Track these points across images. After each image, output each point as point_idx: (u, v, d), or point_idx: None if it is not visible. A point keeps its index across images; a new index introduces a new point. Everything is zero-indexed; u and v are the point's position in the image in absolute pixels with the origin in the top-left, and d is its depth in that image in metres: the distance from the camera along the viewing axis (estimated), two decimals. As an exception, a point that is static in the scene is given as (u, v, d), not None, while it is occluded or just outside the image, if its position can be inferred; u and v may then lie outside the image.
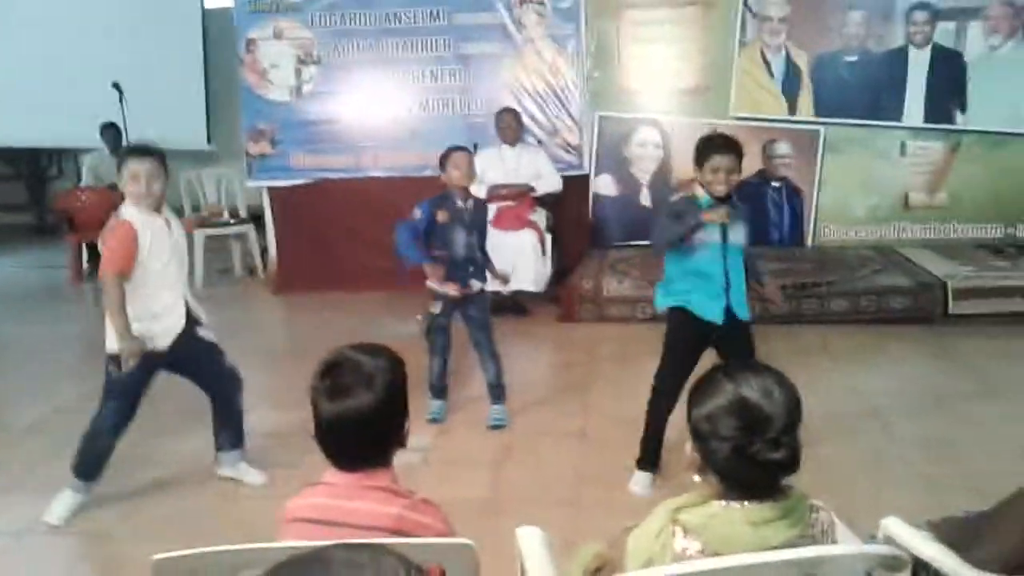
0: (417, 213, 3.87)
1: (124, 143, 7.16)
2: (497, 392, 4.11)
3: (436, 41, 6.78)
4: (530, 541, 1.79)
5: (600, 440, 3.87)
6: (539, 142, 6.61)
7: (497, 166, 5.95)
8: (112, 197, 7.18)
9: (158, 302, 3.19)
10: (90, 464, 3.25)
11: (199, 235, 6.98)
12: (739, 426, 1.45)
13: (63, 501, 3.22)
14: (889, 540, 1.77)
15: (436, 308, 3.99)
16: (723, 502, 1.50)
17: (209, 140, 8.65)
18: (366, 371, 1.67)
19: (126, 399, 3.22)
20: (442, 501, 1.80)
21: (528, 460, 3.72)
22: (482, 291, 4.03)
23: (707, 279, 3.28)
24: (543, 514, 3.06)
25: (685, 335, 3.35)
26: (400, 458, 1.81)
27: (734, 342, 3.30)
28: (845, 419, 3.98)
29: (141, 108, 7.42)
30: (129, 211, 3.13)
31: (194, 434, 3.67)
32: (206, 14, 8.63)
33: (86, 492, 3.26)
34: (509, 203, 5.87)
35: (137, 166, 3.09)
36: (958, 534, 1.75)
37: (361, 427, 1.66)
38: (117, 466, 3.36)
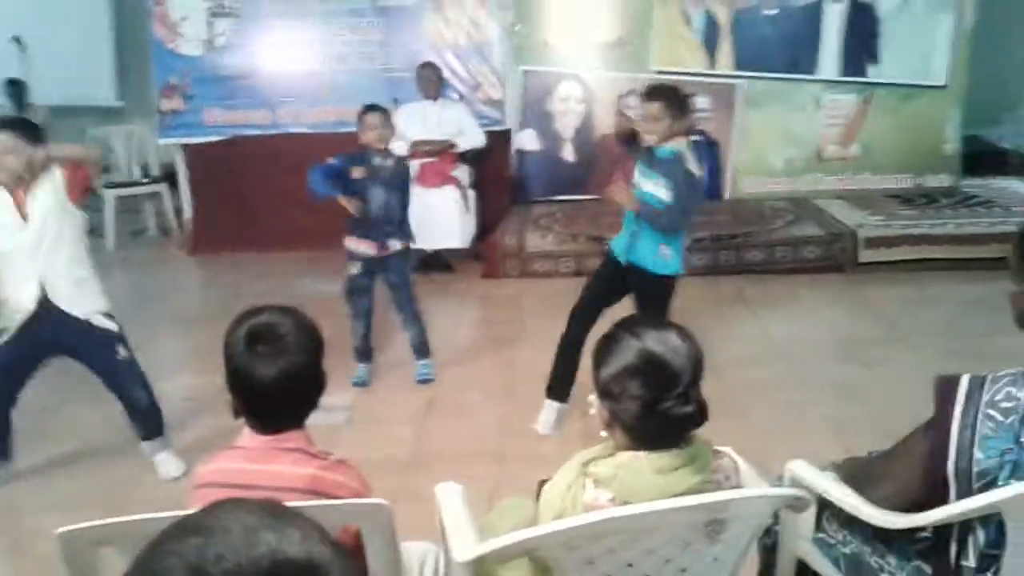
0: (332, 160, 3.80)
1: (28, 100, 6.86)
2: (422, 349, 4.11)
3: (353, -9, 6.61)
4: (448, 497, 1.80)
5: (524, 395, 3.88)
6: (461, 97, 6.54)
7: (418, 122, 5.86)
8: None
9: (7, 285, 3.07)
10: None
11: (109, 195, 6.75)
12: (648, 384, 1.46)
13: None
14: (795, 481, 1.84)
15: (355, 268, 3.94)
16: (630, 452, 1.53)
17: (119, 96, 8.31)
18: (283, 332, 1.65)
19: (4, 372, 3.11)
20: (365, 461, 1.80)
21: (452, 417, 3.74)
22: (402, 251, 3.97)
23: (625, 219, 3.41)
24: (466, 470, 3.10)
25: (601, 267, 3.53)
26: (324, 419, 1.80)
27: (641, 296, 3.38)
28: (760, 366, 4.10)
29: (46, 63, 7.09)
30: None
31: (105, 402, 3.56)
32: (112, -37, 8.24)
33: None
34: (431, 159, 5.81)
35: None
36: (860, 473, 1.82)
37: (278, 389, 1.64)
38: (27, 438, 3.27)
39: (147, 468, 3.32)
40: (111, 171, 7.15)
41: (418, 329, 4.08)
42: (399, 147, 5.79)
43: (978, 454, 1.53)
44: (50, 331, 3.09)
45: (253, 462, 1.66)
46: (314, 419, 1.77)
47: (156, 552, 0.66)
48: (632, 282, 3.38)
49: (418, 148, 5.78)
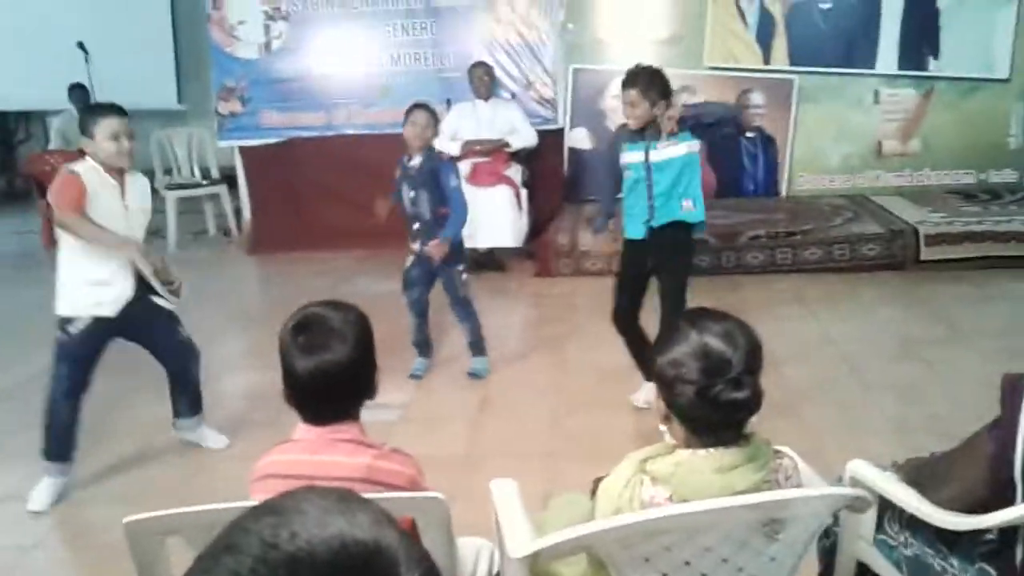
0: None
1: (93, 104, 7.04)
2: (476, 347, 4.14)
3: (407, -7, 6.67)
4: (503, 493, 1.81)
5: (577, 394, 3.90)
6: (513, 96, 6.56)
7: (471, 121, 5.90)
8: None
9: (106, 268, 3.07)
10: (57, 441, 3.15)
11: (171, 197, 6.91)
12: (702, 368, 1.48)
13: (43, 489, 3.13)
14: (855, 482, 1.81)
15: (408, 261, 4.04)
16: (689, 450, 1.52)
17: (179, 99, 8.51)
18: (334, 326, 1.69)
19: (77, 364, 3.12)
20: (420, 457, 1.81)
21: (506, 414, 3.75)
22: (448, 255, 3.98)
23: (633, 202, 3.46)
24: (520, 467, 3.09)
25: (625, 260, 3.61)
26: (377, 416, 1.83)
27: (662, 258, 3.47)
28: (818, 366, 4.04)
29: (108, 68, 7.29)
30: (80, 165, 3.04)
31: (155, 404, 3.63)
32: (171, -30, 8.45)
33: (62, 475, 3.18)
34: (484, 158, 5.84)
35: (118, 123, 3.03)
36: (922, 474, 1.79)
37: (331, 381, 1.68)
38: (87, 435, 3.34)
39: (202, 461, 3.40)
40: (171, 174, 7.32)
41: (470, 326, 4.11)
42: (452, 147, 5.85)
43: (1044, 455, 1.50)
44: (129, 316, 3.14)
45: (309, 453, 1.70)
46: (368, 415, 1.80)
47: (233, 529, 0.69)
48: (656, 253, 3.47)
49: (471, 148, 5.82)
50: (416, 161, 3.90)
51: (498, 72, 6.36)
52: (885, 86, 6.48)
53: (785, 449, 1.68)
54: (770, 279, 5.33)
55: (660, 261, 3.49)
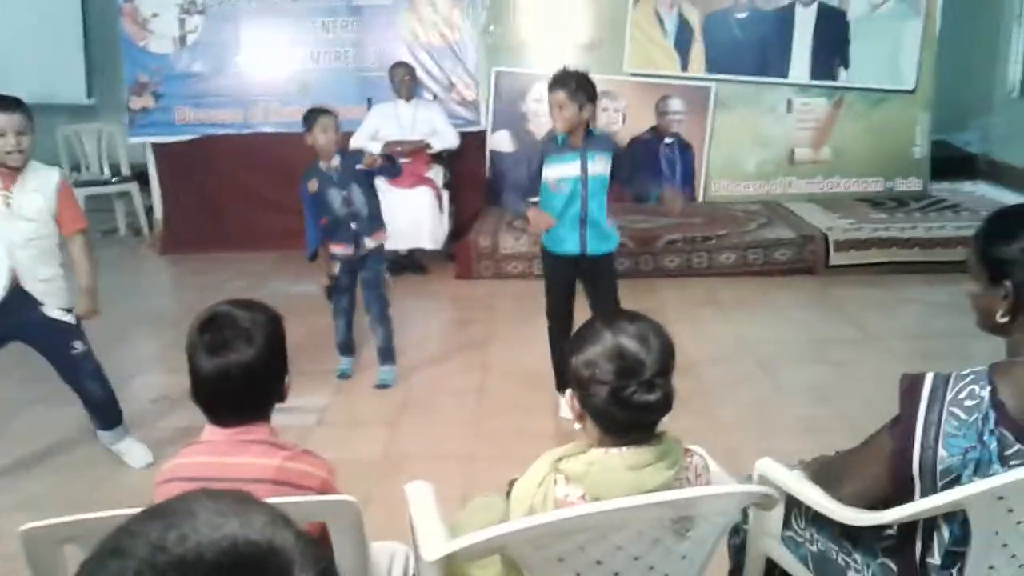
0: (306, 214, 3.88)
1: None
2: (386, 353, 4.09)
3: (327, -11, 6.58)
4: (418, 495, 1.79)
5: (497, 396, 3.90)
6: (435, 97, 6.53)
7: (392, 122, 5.85)
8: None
9: None
10: None
11: (80, 194, 6.64)
12: (616, 370, 1.49)
13: None
14: (763, 479, 1.85)
15: (335, 269, 3.97)
16: (602, 449, 1.54)
17: (89, 94, 8.21)
18: (242, 325, 1.66)
19: None
20: (336, 462, 1.78)
21: (424, 418, 3.73)
22: (378, 247, 3.97)
23: (563, 215, 3.41)
24: (439, 470, 3.09)
25: (551, 272, 3.59)
26: (294, 420, 1.80)
27: (594, 277, 3.50)
28: (731, 366, 4.12)
29: (14, 59, 7.00)
30: None
31: (70, 402, 3.51)
32: (82, -41, 8.15)
33: None
34: (405, 160, 5.79)
35: (3, 119, 2.90)
36: (827, 472, 1.84)
37: (240, 381, 1.64)
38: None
39: (113, 467, 3.29)
40: (80, 170, 7.07)
41: (385, 332, 4.05)
42: (373, 147, 5.78)
43: (942, 452, 1.55)
44: (15, 315, 3.05)
45: (217, 455, 1.66)
46: (285, 419, 1.76)
47: (120, 533, 0.67)
48: (585, 270, 3.50)
49: (391, 148, 5.77)
50: (335, 162, 3.83)
51: (420, 73, 6.33)
52: (797, 95, 6.66)
53: (696, 448, 1.70)
54: (686, 282, 5.42)
55: (591, 275, 3.51)
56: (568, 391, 1.60)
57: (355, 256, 3.90)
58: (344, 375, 4.12)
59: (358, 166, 3.86)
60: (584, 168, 3.36)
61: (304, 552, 0.67)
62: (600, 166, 3.39)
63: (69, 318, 3.17)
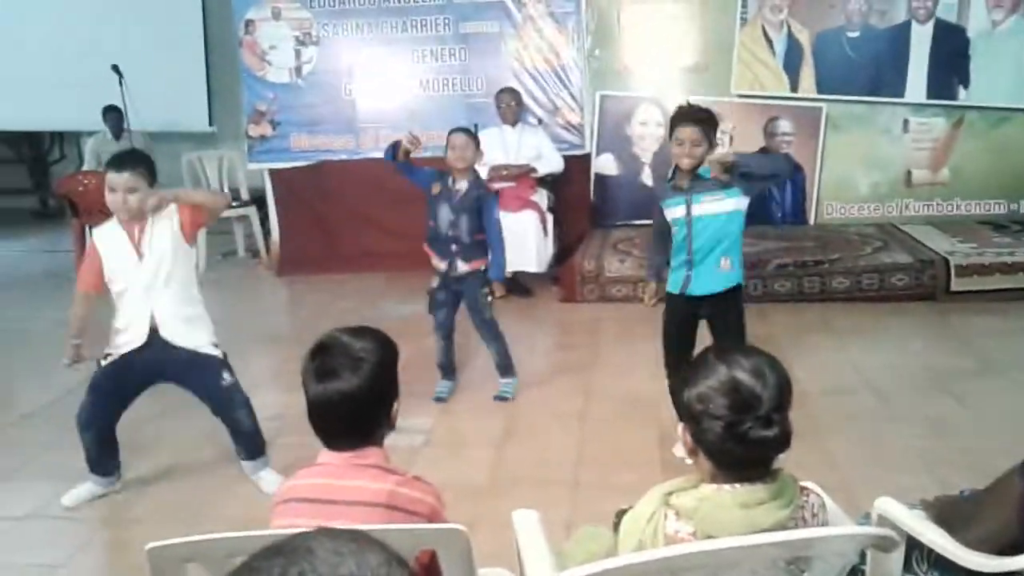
0: (411, 169, 3.97)
1: (126, 125, 7.15)
2: (504, 368, 4.16)
3: (436, 20, 6.74)
4: (526, 524, 1.81)
5: (600, 421, 3.88)
6: (540, 121, 6.59)
7: (498, 146, 5.93)
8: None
9: (121, 317, 3.21)
10: (89, 458, 3.27)
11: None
12: (731, 404, 1.47)
13: (81, 489, 3.29)
14: (882, 520, 1.79)
15: (434, 282, 4.07)
16: (714, 485, 1.51)
17: (210, 122, 8.62)
18: (353, 353, 1.71)
19: (99, 396, 3.21)
20: (442, 483, 1.82)
21: (528, 442, 3.73)
22: (474, 272, 4.01)
23: (675, 253, 3.39)
24: (543, 495, 3.10)
25: (668, 314, 3.50)
26: (401, 440, 1.84)
27: (713, 318, 3.41)
28: (846, 397, 3.99)
29: (143, 90, 7.40)
30: (101, 229, 3.20)
31: (198, 416, 3.66)
32: (205, -5, 8.60)
33: (104, 486, 3.30)
34: (510, 184, 5.86)
35: (114, 177, 3.07)
36: (951, 513, 1.77)
37: (348, 408, 1.70)
38: (122, 451, 3.38)
39: (236, 482, 3.40)
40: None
41: (497, 347, 4.13)
42: (479, 171, 5.87)
43: (1077, 497, 1.48)
44: (156, 360, 3.19)
45: (332, 478, 1.71)
46: (391, 439, 1.81)
47: (244, 570, 0.70)
48: (702, 311, 3.41)
49: (497, 172, 5.85)
50: (462, 185, 3.94)
51: (525, 98, 6.40)
52: (914, 115, 6.44)
53: (811, 485, 1.66)
54: (798, 308, 5.29)
55: (710, 316, 3.42)
56: (680, 425, 1.58)
57: (449, 274, 3.99)
58: (439, 399, 4.14)
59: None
60: (688, 210, 3.29)
61: None
62: (708, 206, 3.26)
63: (216, 352, 3.29)
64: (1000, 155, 6.39)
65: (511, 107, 6.01)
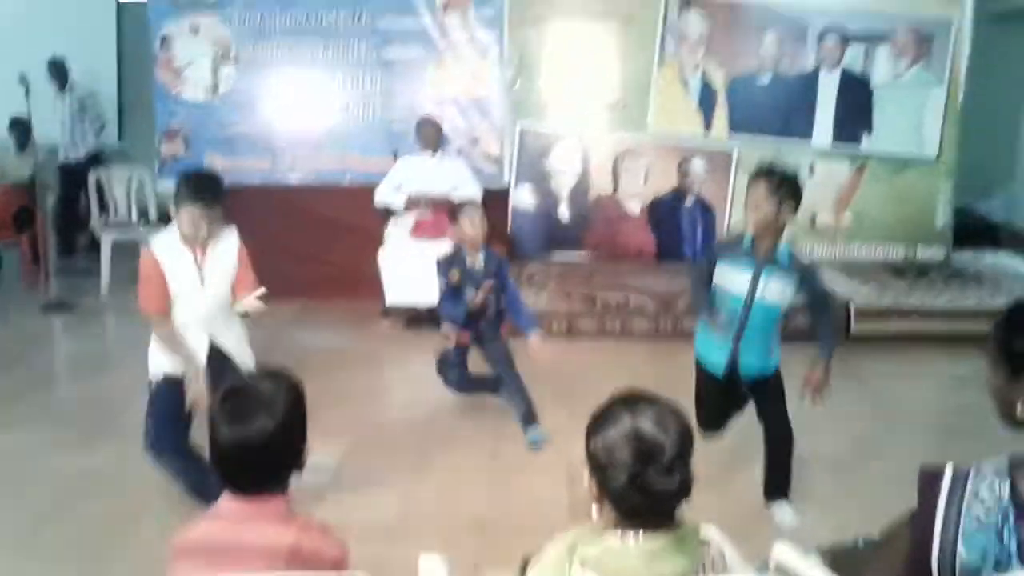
0: (439, 282, 3.99)
1: (31, 139, 6.90)
2: (526, 418, 4.05)
3: (358, 44, 6.71)
4: (431, 570, 1.79)
5: (512, 463, 3.86)
6: (460, 151, 6.61)
7: (417, 174, 5.92)
8: (16, 196, 6.93)
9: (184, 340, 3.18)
10: (192, 486, 3.15)
11: (106, 238, 6.76)
12: (634, 454, 1.49)
13: None
14: (780, 567, 1.83)
15: (449, 343, 4.10)
16: (619, 533, 1.53)
17: (120, 138, 8.39)
18: (263, 396, 1.69)
19: (168, 417, 3.15)
20: (348, 525, 1.79)
21: (438, 482, 3.69)
22: (490, 330, 4.08)
23: (725, 332, 3.13)
24: (451, 538, 3.08)
25: (698, 381, 3.36)
26: (307, 478, 1.81)
27: (755, 395, 3.31)
28: (746, 438, 4.06)
29: (49, 103, 7.17)
30: (160, 238, 3.19)
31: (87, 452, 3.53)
32: (121, 8, 8.37)
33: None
34: (426, 215, 5.86)
35: (193, 209, 3.07)
36: (846, 561, 1.82)
37: (259, 451, 1.67)
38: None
39: (133, 523, 3.28)
40: (109, 213, 7.17)
41: (520, 399, 4.05)
42: (397, 198, 5.85)
43: (962, 549, 1.53)
44: (223, 374, 3.12)
45: (233, 526, 1.67)
46: (298, 477, 1.78)
47: None
48: (741, 387, 3.29)
49: (415, 201, 5.84)
50: (479, 261, 3.96)
51: (446, 127, 6.41)
52: (820, 159, 6.69)
53: (712, 532, 1.69)
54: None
55: (752, 391, 3.27)
56: (585, 473, 1.60)
57: (469, 342, 4.06)
58: (541, 440, 3.98)
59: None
60: (754, 287, 3.04)
61: None
62: (775, 291, 3.04)
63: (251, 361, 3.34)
64: (900, 201, 6.69)
65: (431, 135, 6.01)
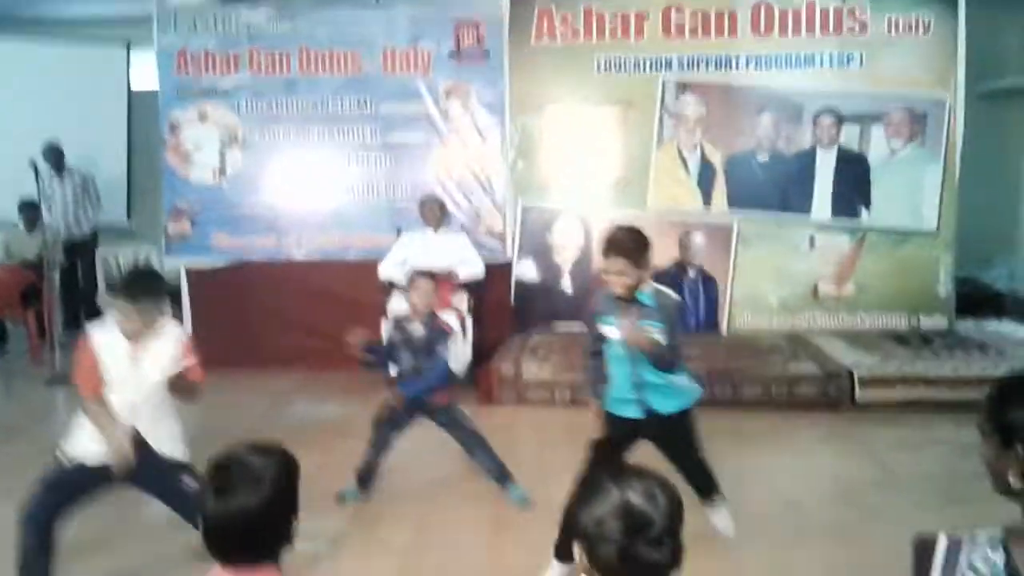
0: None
1: (40, 219, 7.03)
2: (502, 476, 4.08)
3: (363, 129, 6.90)
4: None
5: (515, 527, 3.83)
6: (462, 227, 6.70)
7: (420, 250, 6.00)
8: (25, 275, 7.03)
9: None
10: (23, 564, 3.04)
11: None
12: (623, 529, 1.48)
13: None
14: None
15: (393, 401, 4.08)
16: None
17: (129, 216, 8.54)
18: (251, 471, 1.69)
19: (56, 494, 3.08)
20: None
21: (438, 550, 3.65)
22: (442, 403, 4.09)
23: (617, 379, 3.27)
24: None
25: (608, 434, 3.35)
26: (303, 545, 1.80)
27: (664, 438, 3.34)
28: (752, 505, 4.02)
29: (49, 185, 7.33)
30: (99, 328, 3.20)
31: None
32: (132, 95, 8.63)
33: None
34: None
35: (122, 304, 3.10)
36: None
37: (245, 526, 1.66)
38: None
39: None
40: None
41: (487, 459, 4.08)
42: (399, 272, 5.91)
43: (957, 620, 1.51)
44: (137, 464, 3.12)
45: None
46: (297, 544, 1.76)
47: None
48: (651, 431, 3.31)
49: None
50: (420, 330, 4.04)
51: (449, 205, 6.52)
52: (820, 233, 6.76)
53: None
54: (709, 413, 5.33)
55: (660, 436, 3.32)
56: (576, 545, 1.58)
57: (407, 406, 4.06)
58: (345, 499, 4.04)
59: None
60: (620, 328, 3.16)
61: None
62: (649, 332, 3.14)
63: (184, 457, 3.28)
64: (901, 272, 6.72)
65: (434, 212, 6.11)
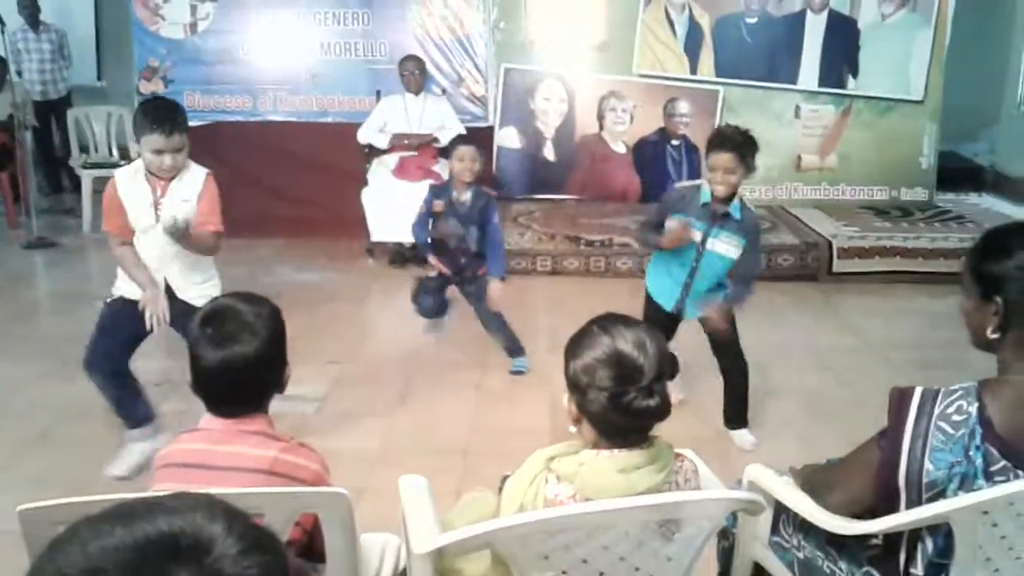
0: (421, 206, 3.99)
1: (8, 77, 6.78)
2: (514, 351, 4.13)
3: (340, -17, 6.60)
4: (411, 489, 1.82)
5: (494, 392, 3.93)
6: (444, 91, 6.54)
7: (400, 115, 5.87)
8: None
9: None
10: (115, 407, 3.17)
11: (87, 176, 6.69)
12: (615, 376, 1.51)
13: (125, 452, 3.19)
14: (752, 486, 1.87)
15: (430, 272, 4.09)
16: (594, 450, 1.55)
17: (99, 77, 8.25)
18: (245, 319, 1.70)
19: (108, 336, 3.12)
20: (333, 451, 1.82)
21: (422, 411, 3.75)
22: (478, 273, 4.05)
23: (671, 272, 3.30)
24: (435, 464, 3.12)
25: (648, 313, 3.41)
26: (292, 408, 1.83)
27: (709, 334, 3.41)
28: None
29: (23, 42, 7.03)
30: (123, 169, 3.12)
31: (67, 379, 3.53)
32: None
33: (143, 438, 3.18)
34: (412, 153, 5.82)
35: (152, 138, 2.93)
36: (816, 480, 1.86)
37: (242, 373, 1.69)
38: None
39: (112, 452, 3.31)
40: (88, 152, 7.09)
41: (504, 335, 4.11)
42: (380, 139, 5.81)
43: (928, 465, 1.57)
44: (178, 322, 3.08)
45: (214, 443, 1.69)
46: (283, 407, 1.79)
47: (82, 527, 0.70)
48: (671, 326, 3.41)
49: (399, 141, 5.80)
50: (467, 198, 3.93)
51: (429, 67, 6.33)
52: (806, 102, 6.67)
53: (687, 452, 1.72)
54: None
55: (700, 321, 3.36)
56: (566, 395, 1.61)
57: (451, 277, 4.05)
58: (519, 371, 4.10)
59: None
60: (704, 240, 3.18)
61: (230, 527, 0.69)
62: (725, 245, 3.18)
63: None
64: (884, 143, 6.69)
65: (415, 75, 5.93)
